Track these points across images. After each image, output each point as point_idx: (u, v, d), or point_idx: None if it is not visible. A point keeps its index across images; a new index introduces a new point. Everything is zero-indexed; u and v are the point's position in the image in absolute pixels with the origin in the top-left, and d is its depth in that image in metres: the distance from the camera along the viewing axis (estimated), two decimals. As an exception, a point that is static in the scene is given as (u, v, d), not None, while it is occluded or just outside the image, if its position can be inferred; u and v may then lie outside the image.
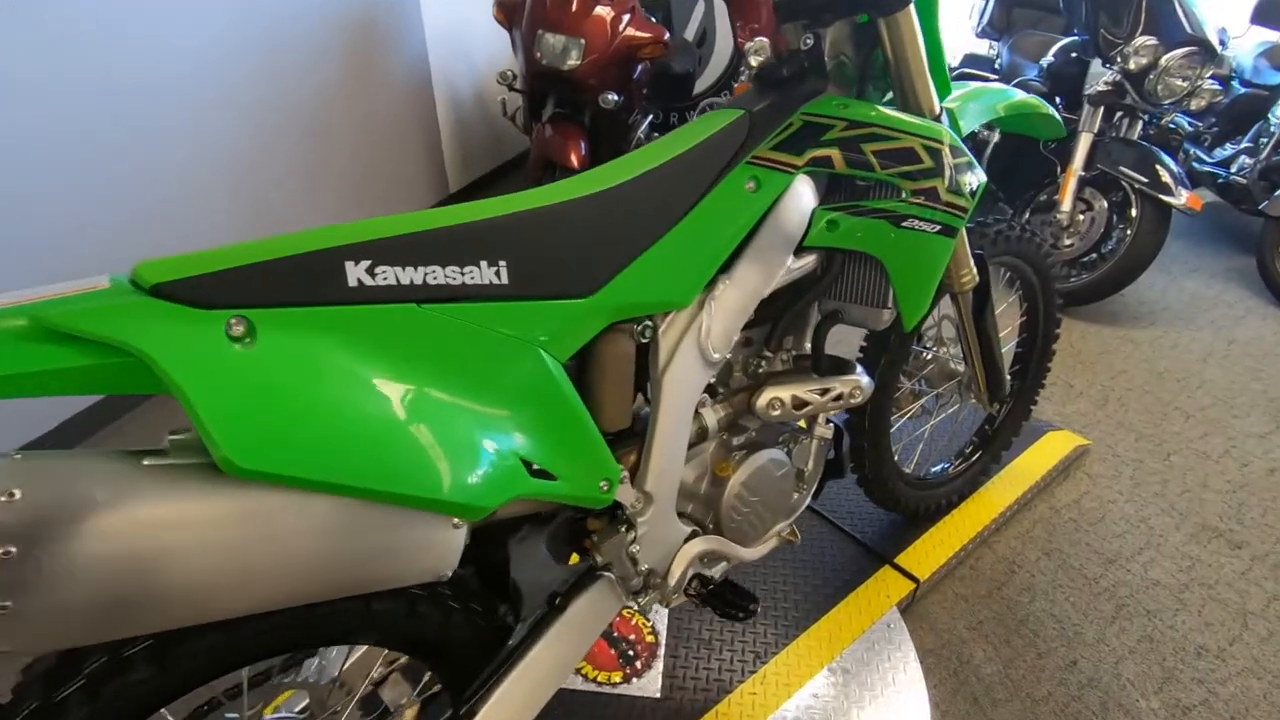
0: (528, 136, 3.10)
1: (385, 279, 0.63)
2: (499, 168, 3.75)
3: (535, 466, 0.72)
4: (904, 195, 0.93)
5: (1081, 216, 2.64)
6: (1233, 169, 3.08)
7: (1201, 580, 1.55)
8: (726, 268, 0.87)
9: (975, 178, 0.98)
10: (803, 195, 0.90)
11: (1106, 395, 2.19)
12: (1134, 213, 2.50)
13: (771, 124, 0.88)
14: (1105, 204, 2.60)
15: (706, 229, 0.83)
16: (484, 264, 0.68)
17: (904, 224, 0.94)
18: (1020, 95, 1.24)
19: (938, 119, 0.99)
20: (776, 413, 0.95)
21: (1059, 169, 2.64)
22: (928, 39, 0.95)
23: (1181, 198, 2.36)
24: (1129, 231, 2.51)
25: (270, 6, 2.34)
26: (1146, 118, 2.64)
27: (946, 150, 0.94)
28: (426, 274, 0.65)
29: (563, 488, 0.75)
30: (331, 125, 2.69)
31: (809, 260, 0.96)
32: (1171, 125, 2.70)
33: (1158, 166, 2.43)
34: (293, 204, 2.59)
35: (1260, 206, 2.85)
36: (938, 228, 0.95)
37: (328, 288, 0.61)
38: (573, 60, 2.64)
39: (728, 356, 0.89)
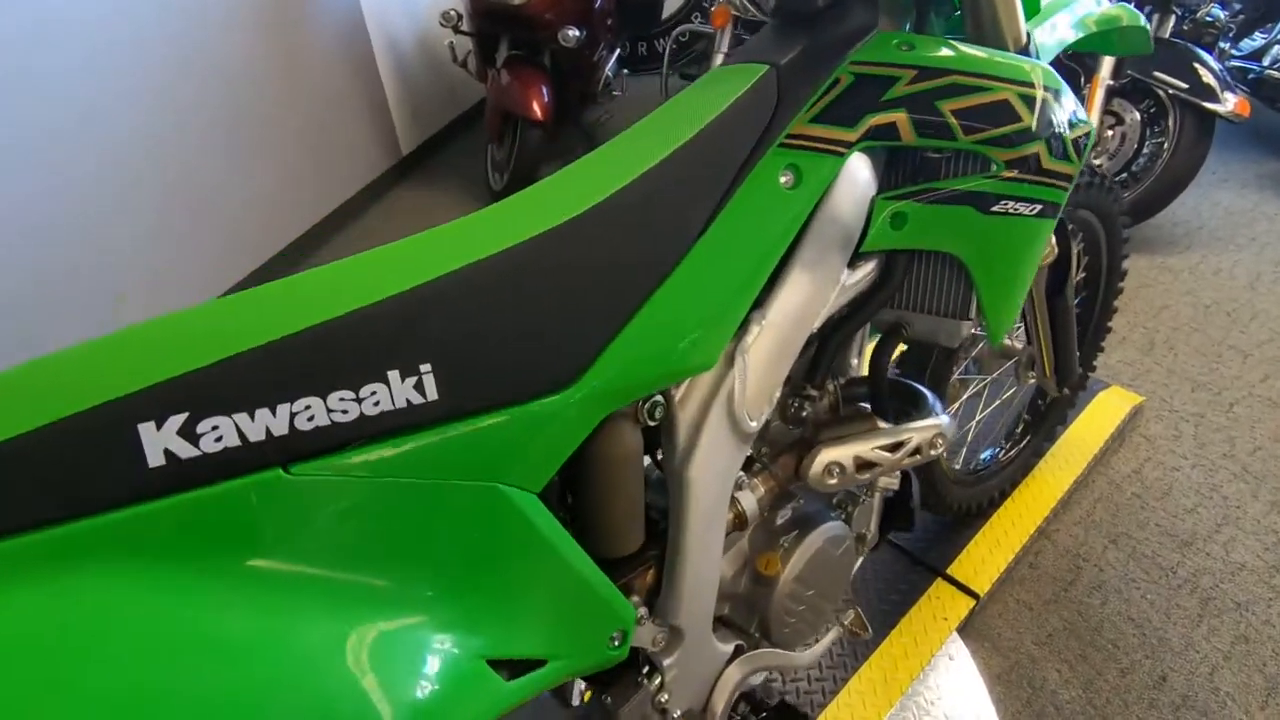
0: (484, 84, 2.75)
1: (219, 439, 0.37)
2: (456, 120, 3.37)
3: (514, 660, 0.48)
4: (994, 168, 0.66)
5: (1110, 133, 2.35)
6: (1265, 62, 2.78)
7: (1293, 560, 1.37)
8: (760, 300, 0.61)
9: (1080, 130, 0.71)
10: (859, 182, 0.64)
11: (1152, 338, 1.97)
12: (1171, 124, 2.22)
13: (810, 83, 0.61)
14: (1136, 116, 2.32)
15: (729, 253, 0.56)
16: (395, 374, 0.42)
17: (994, 208, 0.67)
18: (1105, 5, 0.96)
19: (1025, 50, 0.72)
20: (834, 481, 0.70)
21: (1082, 80, 2.33)
22: None
23: (1229, 103, 2.08)
24: (1166, 146, 2.23)
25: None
26: (1180, 11, 2.32)
27: (1045, 97, 0.67)
28: (295, 414, 0.39)
29: (557, 670, 0.51)
30: (259, 96, 2.32)
31: (868, 268, 0.70)
32: (1208, 18, 2.38)
33: (1198, 67, 2.14)
34: (228, 198, 2.25)
35: (1300, 104, 2.58)
36: (1037, 208, 0.69)
37: (107, 480, 0.34)
38: (523, -8, 2.30)
39: (769, 418, 0.65)
